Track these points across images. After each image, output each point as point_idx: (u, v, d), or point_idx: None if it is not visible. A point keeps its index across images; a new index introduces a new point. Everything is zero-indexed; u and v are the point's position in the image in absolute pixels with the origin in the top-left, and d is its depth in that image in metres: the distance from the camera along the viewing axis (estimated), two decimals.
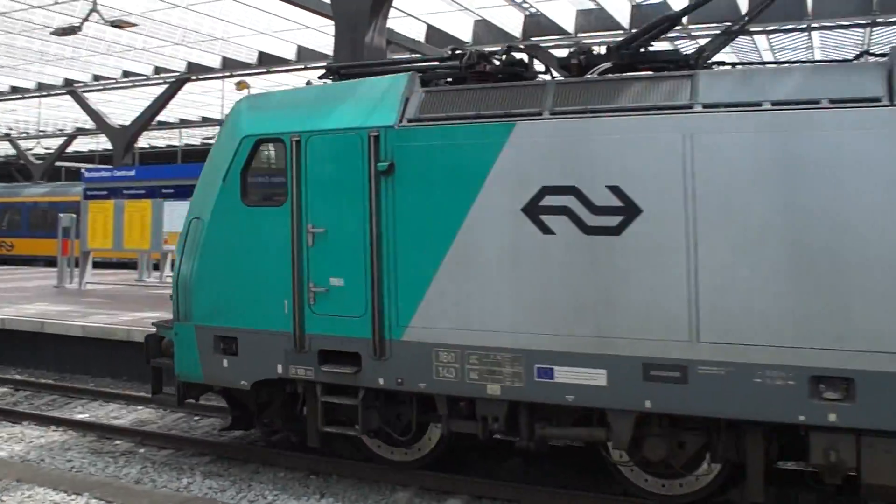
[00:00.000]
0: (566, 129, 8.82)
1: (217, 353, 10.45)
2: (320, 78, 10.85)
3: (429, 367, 9.35)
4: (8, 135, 53.08)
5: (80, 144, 58.51)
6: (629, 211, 8.53)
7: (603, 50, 9.55)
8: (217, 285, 10.42)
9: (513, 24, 28.05)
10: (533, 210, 8.86)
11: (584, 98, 8.91)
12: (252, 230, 10.23)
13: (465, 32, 28.30)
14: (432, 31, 28.19)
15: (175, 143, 55.82)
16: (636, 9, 26.26)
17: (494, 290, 9.00)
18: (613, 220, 8.58)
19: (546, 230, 8.82)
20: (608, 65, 9.35)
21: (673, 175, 8.39)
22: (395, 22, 25.99)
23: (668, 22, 9.33)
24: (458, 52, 10.02)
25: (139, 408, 14.54)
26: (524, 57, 10.03)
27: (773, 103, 8.13)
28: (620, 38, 9.66)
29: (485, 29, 28.34)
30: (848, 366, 7.80)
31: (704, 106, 8.41)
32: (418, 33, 27.86)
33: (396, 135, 9.54)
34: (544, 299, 8.79)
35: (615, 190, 8.58)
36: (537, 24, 28.18)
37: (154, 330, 11.71)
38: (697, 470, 9.21)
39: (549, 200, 8.81)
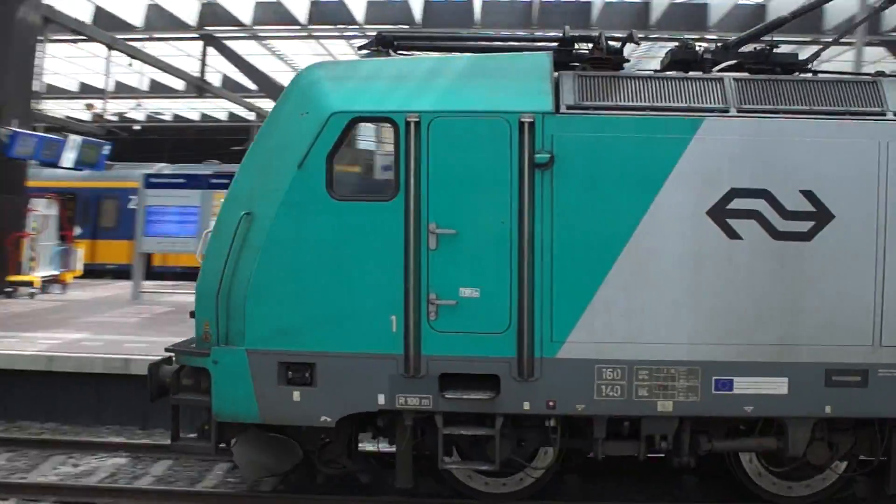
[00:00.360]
0: (758, 128, 8.36)
1: (283, 385, 8.37)
2: (362, 49, 9.11)
3: (589, 386, 8.31)
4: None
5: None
6: (821, 216, 8.34)
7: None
8: (286, 298, 8.29)
9: (188, 12, 26.68)
10: (720, 213, 8.30)
11: (774, 97, 8.52)
12: (343, 229, 8.26)
13: (136, 17, 26.41)
14: (101, 13, 25.92)
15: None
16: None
17: (672, 299, 8.28)
18: (805, 226, 8.34)
19: (733, 234, 8.31)
20: (730, 62, 8.93)
21: (867, 182, 8.32)
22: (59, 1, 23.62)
23: (780, 23, 9.20)
24: (574, 35, 8.89)
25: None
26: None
27: None
28: (729, 38, 9.38)
29: (157, 14, 26.54)
30: None
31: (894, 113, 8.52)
32: (84, 14, 25.39)
33: (556, 123, 8.27)
34: (727, 308, 8.29)
35: (808, 194, 8.31)
36: (213, 13, 26.91)
37: (161, 357, 9.23)
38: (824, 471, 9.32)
39: (738, 203, 8.30)
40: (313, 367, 8.37)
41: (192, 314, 8.65)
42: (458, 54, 8.92)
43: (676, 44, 9.08)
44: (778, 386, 8.31)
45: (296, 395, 8.41)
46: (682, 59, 9.02)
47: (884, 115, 8.42)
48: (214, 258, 8.54)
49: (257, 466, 9.04)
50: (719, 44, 9.06)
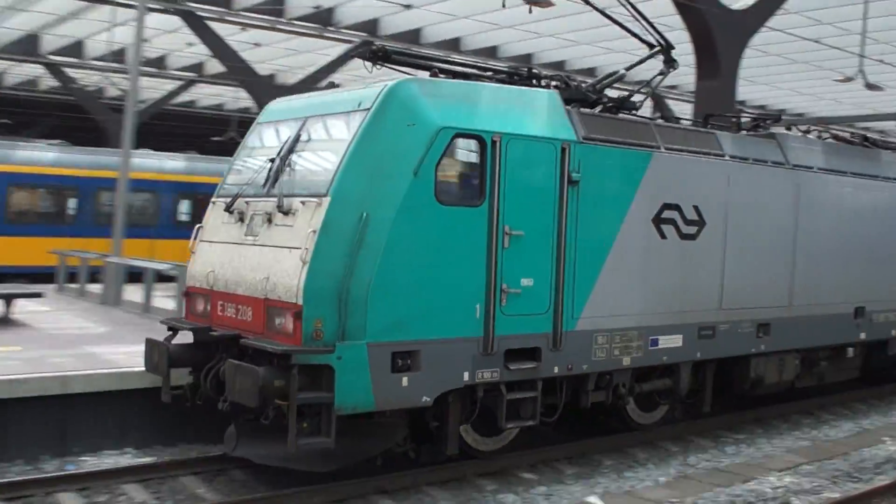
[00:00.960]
0: (674, 161, 12.23)
1: (394, 372, 9.40)
2: (364, 58, 10.68)
3: (589, 351, 11.24)
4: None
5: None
6: (701, 223, 12.65)
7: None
8: (403, 293, 9.40)
9: None
10: (657, 220, 11.99)
11: (682, 141, 12.52)
12: (445, 231, 9.71)
13: None
14: None
15: None
16: None
17: (632, 283, 11.70)
18: (694, 230, 12.55)
19: (662, 235, 12.07)
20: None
21: (721, 200, 12.84)
22: None
23: (620, 77, 12.58)
24: (568, 78, 12.09)
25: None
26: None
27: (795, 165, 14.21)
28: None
29: None
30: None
31: (730, 156, 13.07)
32: None
33: (580, 149, 11.00)
34: (657, 287, 12.02)
35: (696, 208, 12.56)
36: None
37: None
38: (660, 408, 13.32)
39: (665, 213, 12.09)
40: (418, 353, 9.63)
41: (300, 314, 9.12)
42: (510, 86, 10.84)
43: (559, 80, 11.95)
44: (678, 341, 12.35)
45: (404, 381, 9.54)
46: (574, 98, 11.80)
47: (724, 156, 13.01)
48: (326, 259, 9.13)
49: (357, 451, 9.99)
50: (588, 86, 12.19)
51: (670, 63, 12.88)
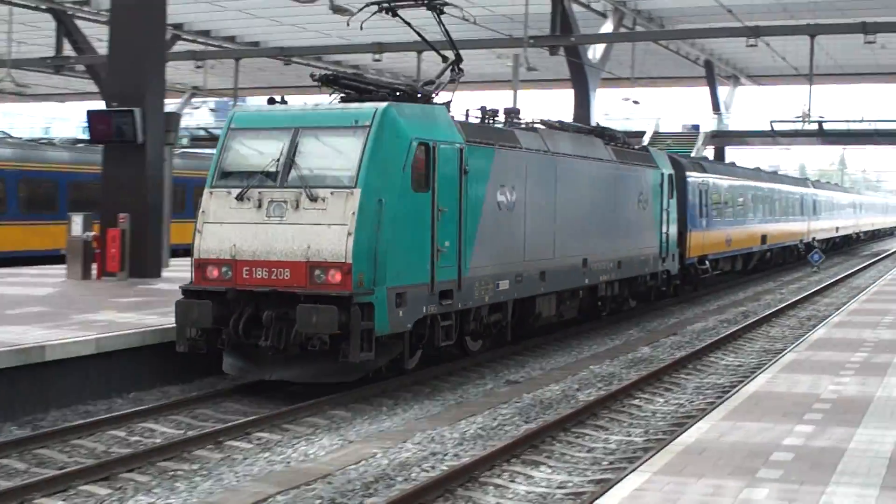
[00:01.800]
0: (503, 154, 16.99)
1: (397, 307, 14.11)
2: (320, 83, 14.98)
3: (473, 291, 16.00)
4: None
5: None
6: (514, 199, 17.32)
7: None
8: (399, 253, 14.11)
9: None
10: (497, 198, 16.72)
11: (505, 138, 17.38)
12: (415, 209, 14.49)
13: None
14: None
15: None
16: None
17: (488, 243, 16.35)
18: (512, 203, 17.25)
19: (499, 208, 16.81)
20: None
21: (521, 181, 17.59)
22: None
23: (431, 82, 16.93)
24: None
25: None
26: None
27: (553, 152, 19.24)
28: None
29: None
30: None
31: (525, 148, 17.92)
32: None
33: (468, 149, 15.73)
34: (497, 247, 16.74)
35: (513, 188, 17.27)
36: None
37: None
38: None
39: (500, 193, 16.84)
40: (405, 294, 14.10)
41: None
42: (430, 104, 15.43)
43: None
44: (507, 285, 17.08)
45: (400, 313, 14.00)
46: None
47: (521, 148, 17.79)
48: (362, 231, 13.48)
49: (369, 364, 13.95)
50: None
51: (459, 71, 16.96)
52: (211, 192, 14.58)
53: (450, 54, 16.99)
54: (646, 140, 54.93)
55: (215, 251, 14.32)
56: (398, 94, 15.10)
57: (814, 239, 53.78)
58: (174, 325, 14.29)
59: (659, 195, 25.56)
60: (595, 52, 45.79)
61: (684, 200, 29.76)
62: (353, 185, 13.62)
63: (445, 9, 16.49)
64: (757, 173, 45.32)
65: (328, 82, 14.89)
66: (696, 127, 68.40)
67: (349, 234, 13.44)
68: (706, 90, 69.81)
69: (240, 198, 14.21)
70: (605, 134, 23.75)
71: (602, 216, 21.82)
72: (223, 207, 14.37)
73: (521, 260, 17.70)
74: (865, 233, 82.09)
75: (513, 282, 17.34)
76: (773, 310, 26.68)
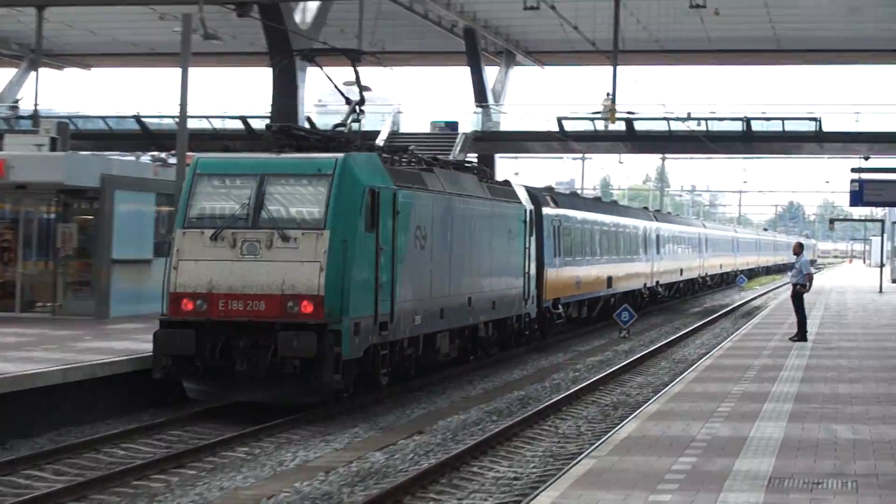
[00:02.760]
0: (416, 196, 26.35)
1: (354, 335, 23.43)
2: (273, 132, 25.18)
3: (403, 324, 25.69)
4: None
5: None
6: (424, 238, 26.86)
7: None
8: (356, 287, 23.73)
9: None
10: (415, 237, 26.03)
11: (417, 180, 26.97)
12: (365, 248, 23.99)
13: None
14: None
15: None
16: None
17: (409, 279, 25.63)
18: (424, 242, 26.80)
19: (416, 246, 26.30)
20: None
21: (429, 220, 27.28)
22: None
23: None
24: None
25: None
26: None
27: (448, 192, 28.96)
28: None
29: None
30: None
31: (436, 191, 28.25)
32: None
33: (399, 193, 24.96)
34: (415, 282, 26.35)
35: (423, 228, 26.71)
36: None
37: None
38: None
39: (417, 231, 26.10)
40: (360, 324, 22.72)
41: None
42: (371, 153, 25.66)
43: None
44: (419, 319, 26.77)
45: (356, 341, 22.43)
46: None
47: (431, 191, 27.89)
48: (332, 268, 22.21)
49: (337, 385, 22.61)
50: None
51: (361, 112, 27.86)
52: (184, 233, 23.08)
53: (355, 96, 28.05)
54: (379, 141, 56.15)
55: (192, 286, 22.73)
56: (337, 144, 24.83)
57: (657, 283, 62.10)
58: None
59: (523, 233, 35.08)
60: (305, 14, 45.76)
61: (541, 238, 38.12)
62: (323, 227, 22.67)
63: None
64: (601, 204, 53.22)
65: (280, 133, 24.67)
66: (454, 125, 69.54)
67: (321, 269, 22.30)
68: (467, 71, 71.24)
69: (214, 238, 22.84)
70: (474, 169, 33.54)
71: (481, 255, 31.22)
72: (197, 246, 22.83)
73: (429, 296, 26.99)
74: (712, 276, 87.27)
75: (423, 316, 26.43)
76: (564, 394, 27.27)
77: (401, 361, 26.11)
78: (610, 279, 49.70)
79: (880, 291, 72.05)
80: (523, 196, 36.00)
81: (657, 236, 63.46)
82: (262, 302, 22.67)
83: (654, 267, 61.39)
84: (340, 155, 23.69)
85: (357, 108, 27.65)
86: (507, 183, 36.20)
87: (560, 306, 40.47)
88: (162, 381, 23.19)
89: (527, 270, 35.29)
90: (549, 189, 49.98)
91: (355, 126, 28.05)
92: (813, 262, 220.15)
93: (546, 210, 39.74)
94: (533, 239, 35.98)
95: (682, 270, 71.68)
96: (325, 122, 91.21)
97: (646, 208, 77.72)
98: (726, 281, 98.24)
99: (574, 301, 43.72)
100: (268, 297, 22.62)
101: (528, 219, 35.49)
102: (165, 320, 22.98)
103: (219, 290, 22.78)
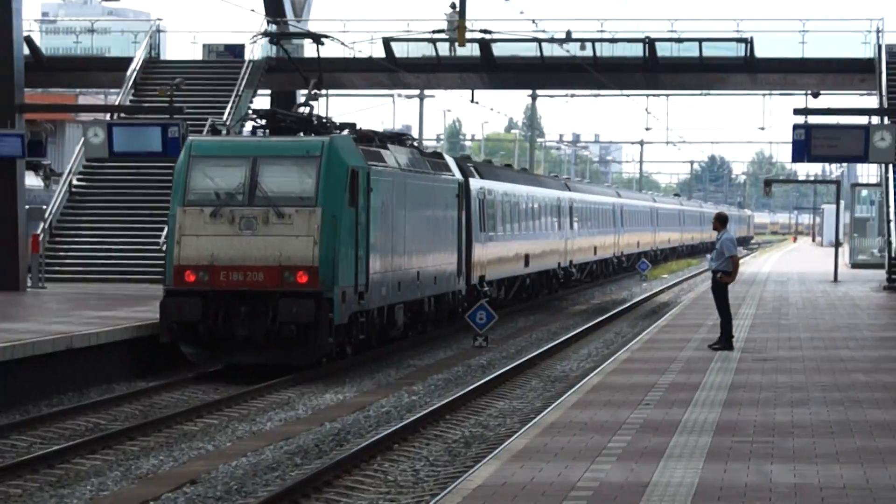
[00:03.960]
0: (381, 172, 41.54)
1: (342, 303, 37.32)
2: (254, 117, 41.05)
3: (375, 293, 40.76)
4: None
5: None
6: (392, 211, 42.82)
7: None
8: (343, 259, 37.66)
9: None
10: (383, 211, 41.54)
11: (375, 158, 41.63)
12: (349, 222, 38.26)
13: None
14: None
15: None
16: None
17: (377, 250, 40.79)
18: (388, 217, 42.47)
19: (382, 221, 41.40)
20: None
21: (391, 195, 42.80)
22: None
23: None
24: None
25: None
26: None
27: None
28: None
29: None
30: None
31: (400, 167, 44.03)
32: None
33: (371, 171, 40.09)
34: (383, 255, 42.05)
35: (385, 203, 42.00)
36: None
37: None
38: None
39: (382, 207, 41.50)
40: (345, 293, 37.28)
41: None
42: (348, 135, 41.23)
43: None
44: (387, 290, 42.15)
45: (343, 308, 37.30)
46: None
47: (388, 166, 43.00)
48: (324, 241, 36.16)
49: (329, 347, 37.08)
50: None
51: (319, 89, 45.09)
52: (184, 210, 35.36)
53: (314, 76, 42.16)
54: (132, 69, 57.63)
55: (194, 258, 35.11)
56: (320, 125, 38.46)
57: (571, 262, 76.05)
58: None
59: (456, 207, 49.88)
60: None
61: (469, 212, 52.21)
62: (315, 204, 35.27)
63: None
64: (516, 174, 67.70)
65: (265, 116, 38.20)
66: (237, 50, 69.67)
67: (315, 243, 34.64)
68: None
69: (213, 214, 34.93)
70: (412, 142, 48.39)
71: (426, 230, 45.84)
72: (198, 222, 34.99)
73: (390, 269, 40.83)
74: (628, 256, 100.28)
75: (386, 288, 39.99)
76: (396, 426, 27.81)
77: (370, 330, 40.16)
78: (527, 257, 63.71)
79: (835, 280, 73.49)
80: (454, 168, 50.90)
81: (570, 208, 76.48)
82: (261, 273, 35.80)
83: (567, 245, 75.35)
84: (326, 138, 37.45)
85: (316, 87, 43.01)
86: (439, 155, 52.30)
87: (485, 285, 55.03)
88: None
89: (459, 246, 50.42)
90: (468, 158, 62.82)
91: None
92: (747, 242, 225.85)
93: (472, 182, 53.43)
94: (463, 214, 51.04)
95: (595, 248, 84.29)
96: (53, 43, 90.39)
97: (556, 176, 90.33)
98: (627, 267, 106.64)
99: (496, 280, 58.01)
100: (266, 268, 35.81)
101: (460, 192, 50.66)
102: (169, 290, 36.29)
103: (220, 263, 35.83)
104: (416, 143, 48.58)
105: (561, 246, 73.20)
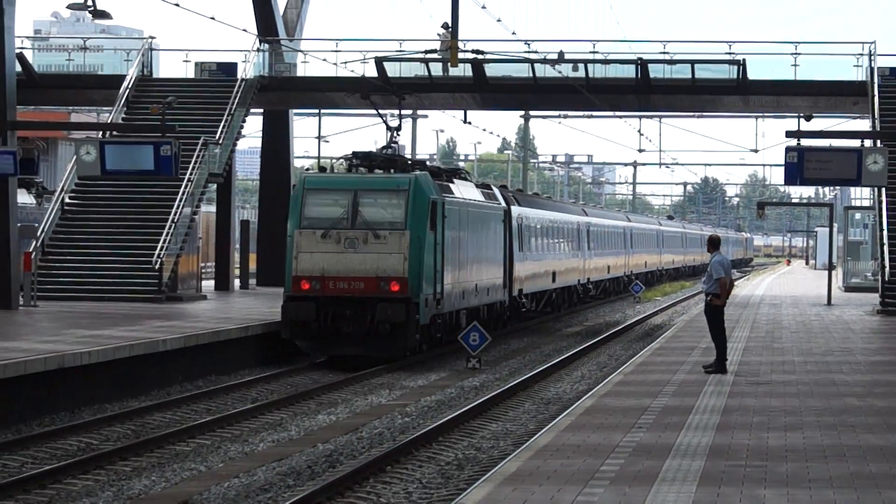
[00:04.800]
0: (450, 202, 52.92)
1: (425, 308, 48.62)
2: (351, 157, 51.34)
3: (454, 299, 53.34)
4: None
5: None
6: (456, 237, 54.38)
7: None
8: (426, 273, 49.18)
9: None
10: (452, 234, 53.03)
11: (446, 191, 52.98)
12: (431, 242, 49.50)
13: None
14: None
15: None
16: None
17: (450, 267, 52.47)
18: (455, 240, 54.14)
19: (452, 243, 52.62)
20: None
21: (456, 222, 54.14)
22: None
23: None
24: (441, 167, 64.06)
25: None
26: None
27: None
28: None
29: None
30: None
31: (461, 198, 55.16)
32: None
33: (444, 202, 51.07)
34: (453, 270, 53.49)
35: (453, 229, 53.15)
36: None
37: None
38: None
39: (451, 231, 52.66)
40: (427, 299, 48.63)
41: None
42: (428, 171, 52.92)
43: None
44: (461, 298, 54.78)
45: (426, 312, 48.65)
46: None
47: (455, 197, 54.74)
48: (412, 258, 47.25)
49: (416, 343, 48.61)
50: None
51: (399, 135, 57.82)
52: (300, 232, 46.69)
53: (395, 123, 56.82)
54: (125, 87, 59.17)
55: (308, 271, 46.31)
56: (403, 163, 50.98)
57: (588, 280, 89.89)
58: None
59: (502, 230, 61.27)
60: None
61: (510, 234, 63.36)
62: (404, 228, 46.59)
63: None
64: (544, 200, 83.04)
65: (362, 157, 50.04)
66: (230, 68, 69.58)
67: (405, 259, 45.90)
68: None
69: (323, 235, 46.37)
70: (466, 175, 60.56)
71: (481, 249, 56.11)
72: (311, 242, 46.39)
73: (458, 281, 51.19)
74: (637, 275, 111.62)
75: (455, 297, 50.74)
76: (389, 448, 27.91)
77: (443, 330, 50.79)
78: (554, 274, 76.26)
79: (828, 303, 73.44)
80: (499, 197, 63.12)
81: (588, 231, 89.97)
82: (362, 282, 46.46)
83: (585, 264, 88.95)
84: (412, 175, 48.49)
85: (396, 133, 55.74)
86: (488, 186, 65.02)
87: (524, 297, 67.31)
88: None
89: (504, 263, 61.64)
90: (505, 187, 77.44)
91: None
92: (747, 263, 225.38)
93: (513, 209, 64.86)
94: (507, 236, 62.09)
95: (609, 268, 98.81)
96: (45, 61, 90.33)
97: (574, 202, 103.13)
98: (650, 280, 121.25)
99: (530, 293, 69.70)
100: (365, 278, 46.41)
101: (505, 218, 62.31)
102: (289, 296, 46.84)
103: (329, 274, 46.55)
104: (468, 176, 61.29)
105: (580, 265, 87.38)
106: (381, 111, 60.84)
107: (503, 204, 62.40)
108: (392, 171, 50.37)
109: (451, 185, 53.80)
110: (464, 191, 55.84)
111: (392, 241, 47.40)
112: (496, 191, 63.51)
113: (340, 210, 48.21)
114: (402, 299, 46.32)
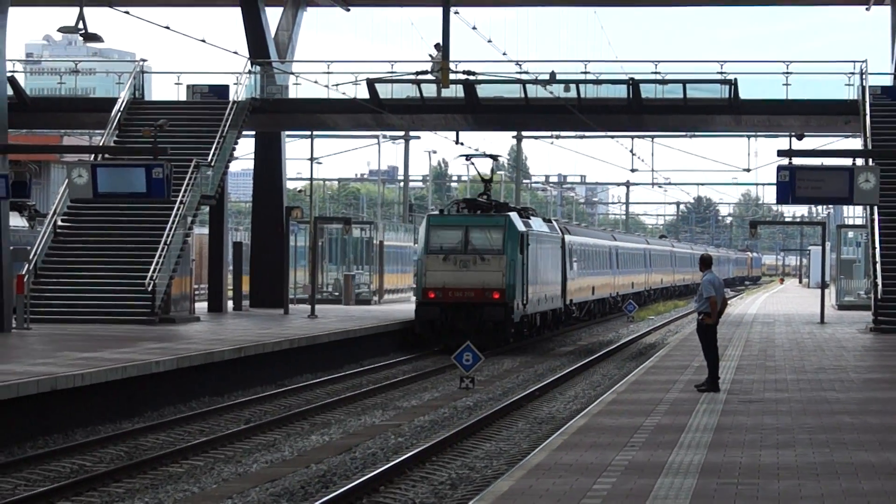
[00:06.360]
0: (532, 234, 73.65)
1: (515, 310, 69.35)
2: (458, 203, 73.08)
3: (533, 305, 73.90)
4: None
5: None
6: (533, 259, 74.36)
7: None
8: (515, 286, 70.70)
9: None
10: (531, 258, 73.67)
11: (526, 226, 73.13)
12: (516, 260, 69.86)
13: None
14: None
15: None
16: None
17: (532, 282, 72.98)
18: (535, 262, 75.53)
19: (533, 264, 73.42)
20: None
21: (535, 249, 75.08)
22: None
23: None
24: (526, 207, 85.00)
25: None
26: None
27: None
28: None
29: None
30: None
31: (537, 231, 75.28)
32: None
33: (530, 234, 71.51)
34: (534, 283, 74.72)
35: (533, 252, 74.91)
36: None
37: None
38: None
39: (532, 255, 73.14)
40: (517, 303, 68.80)
41: None
42: (519, 211, 75.64)
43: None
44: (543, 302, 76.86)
45: (517, 313, 68.68)
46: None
47: (534, 230, 75.33)
48: (508, 274, 67.28)
49: (510, 337, 69.34)
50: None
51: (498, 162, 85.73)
52: (428, 256, 66.16)
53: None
54: (116, 110, 62.54)
55: (433, 284, 65.70)
56: (499, 205, 71.22)
57: (618, 293, 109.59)
58: None
59: (560, 254, 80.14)
60: None
61: (564, 257, 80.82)
62: (502, 253, 66.26)
63: None
64: (586, 229, 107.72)
65: (468, 202, 71.88)
66: (222, 91, 69.81)
67: (503, 275, 65.86)
68: (239, 14, 71.48)
69: (444, 259, 65.93)
70: (534, 211, 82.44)
71: (547, 268, 76.21)
72: (436, 263, 65.92)
73: (535, 292, 71.31)
74: (655, 290, 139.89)
75: (534, 304, 70.88)
76: (382, 468, 27.81)
77: (529, 327, 69.30)
78: (593, 288, 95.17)
79: (821, 322, 73.32)
80: (557, 227, 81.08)
81: (616, 253, 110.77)
82: (472, 292, 63.93)
83: (615, 280, 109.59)
84: (507, 214, 66.59)
85: (489, 185, 74.10)
86: (549, 220, 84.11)
87: (573, 306, 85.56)
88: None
89: (561, 279, 79.36)
90: (558, 220, 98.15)
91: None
92: (754, 281, 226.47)
93: (566, 237, 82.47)
94: (561, 258, 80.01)
95: (633, 283, 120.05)
96: (37, 84, 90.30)
97: (604, 228, 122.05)
98: (664, 295, 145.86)
99: (578, 303, 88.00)
100: (475, 289, 63.92)
101: (562, 244, 79.99)
102: (420, 302, 64.95)
103: (449, 286, 63.86)
104: (535, 211, 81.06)
105: (612, 281, 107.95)
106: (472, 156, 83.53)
107: (560, 233, 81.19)
108: (492, 211, 68.00)
109: (530, 220, 71.78)
110: (537, 224, 73.60)
111: (494, 262, 65.74)
112: (554, 223, 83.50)
113: (456, 240, 66.02)
114: (501, 304, 64.90)
